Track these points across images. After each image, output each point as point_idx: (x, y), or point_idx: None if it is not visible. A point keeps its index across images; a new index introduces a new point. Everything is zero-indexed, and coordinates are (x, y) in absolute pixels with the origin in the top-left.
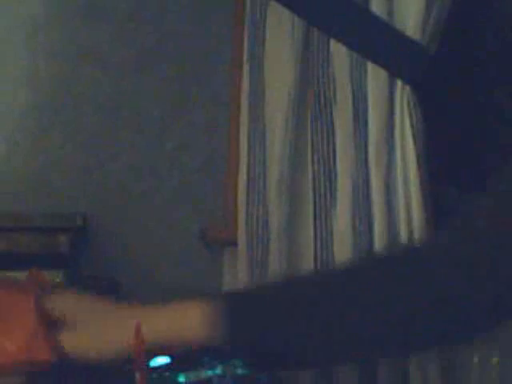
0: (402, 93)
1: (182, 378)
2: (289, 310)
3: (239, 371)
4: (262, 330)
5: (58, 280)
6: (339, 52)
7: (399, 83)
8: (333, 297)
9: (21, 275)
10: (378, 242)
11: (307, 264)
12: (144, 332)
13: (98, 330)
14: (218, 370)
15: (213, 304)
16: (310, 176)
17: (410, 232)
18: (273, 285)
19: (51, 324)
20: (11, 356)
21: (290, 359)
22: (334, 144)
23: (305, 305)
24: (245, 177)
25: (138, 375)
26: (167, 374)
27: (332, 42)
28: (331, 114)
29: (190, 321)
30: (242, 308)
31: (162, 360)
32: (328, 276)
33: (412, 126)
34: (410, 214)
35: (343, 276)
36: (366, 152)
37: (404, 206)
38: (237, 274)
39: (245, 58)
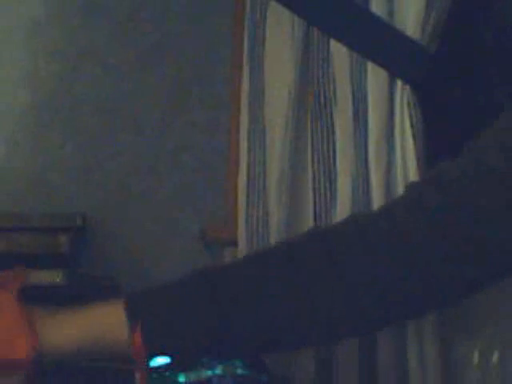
0: (402, 93)
1: (181, 378)
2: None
3: (239, 371)
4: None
5: (58, 280)
6: (339, 52)
7: (399, 83)
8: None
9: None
10: None
11: None
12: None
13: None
14: (218, 370)
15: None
16: (310, 176)
17: None
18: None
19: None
20: None
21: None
22: (334, 144)
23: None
24: (245, 177)
25: (137, 375)
26: (167, 373)
27: (332, 42)
28: (331, 114)
29: (108, 324)
30: (140, 308)
31: (161, 360)
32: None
33: (412, 126)
34: None
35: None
36: (366, 152)
37: None
38: None
39: (245, 57)
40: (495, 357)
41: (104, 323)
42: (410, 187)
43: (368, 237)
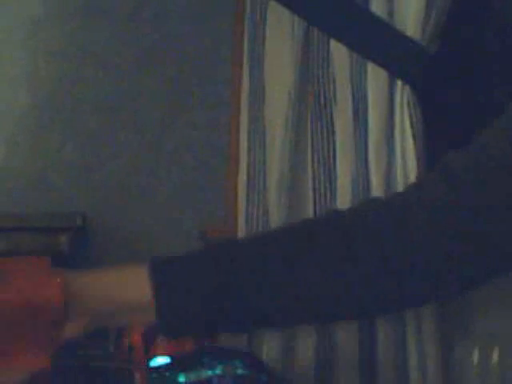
0: (402, 93)
1: (181, 378)
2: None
3: (239, 371)
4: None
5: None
6: (339, 52)
7: (399, 83)
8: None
9: None
10: None
11: None
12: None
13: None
14: (218, 370)
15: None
16: (310, 176)
17: None
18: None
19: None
20: (19, 293)
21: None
22: (334, 144)
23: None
24: (245, 176)
25: (137, 375)
26: (167, 373)
27: (332, 42)
28: (331, 114)
29: (129, 284)
30: (164, 273)
31: (161, 360)
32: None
33: (412, 126)
34: None
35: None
36: (366, 152)
37: None
38: None
39: (245, 57)
40: (495, 357)
41: (128, 283)
42: (425, 177)
43: (383, 224)
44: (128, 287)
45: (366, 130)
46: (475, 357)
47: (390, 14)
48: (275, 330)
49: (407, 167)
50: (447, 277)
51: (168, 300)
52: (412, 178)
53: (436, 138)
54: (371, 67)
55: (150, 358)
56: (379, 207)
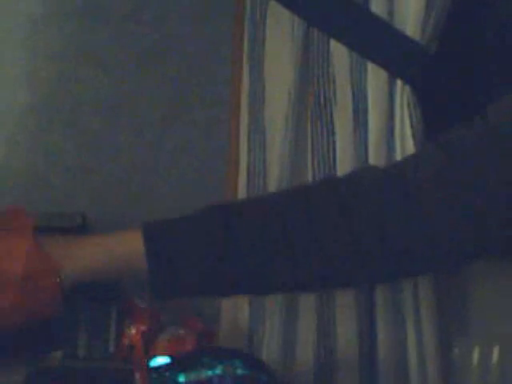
0: (402, 93)
1: (181, 378)
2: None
3: (239, 371)
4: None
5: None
6: (339, 52)
7: (399, 83)
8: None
9: None
10: None
11: None
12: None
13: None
14: (218, 370)
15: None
16: (310, 176)
17: None
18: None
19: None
20: (12, 278)
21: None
22: (334, 144)
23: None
24: (245, 177)
25: (137, 375)
26: (167, 373)
27: (332, 42)
28: (331, 114)
29: (127, 246)
30: (158, 236)
31: (161, 360)
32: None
33: (412, 126)
34: None
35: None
36: (366, 152)
37: None
38: None
39: (245, 58)
40: (495, 356)
41: (123, 249)
42: (423, 147)
43: (379, 191)
44: (121, 243)
45: (365, 130)
46: (475, 357)
47: (390, 14)
48: (263, 294)
49: None
50: (444, 247)
51: (159, 261)
52: None
53: (436, 137)
54: (371, 67)
55: (150, 358)
56: (376, 175)
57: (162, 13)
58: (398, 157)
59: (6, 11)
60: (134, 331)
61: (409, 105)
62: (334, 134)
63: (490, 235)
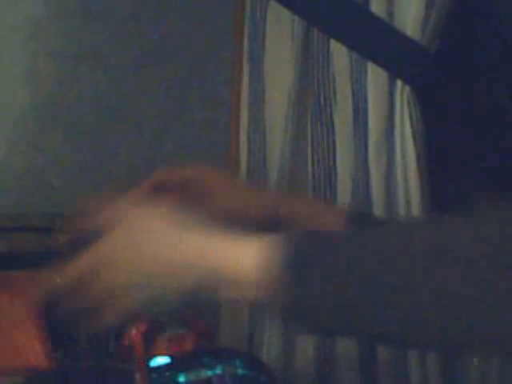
0: (402, 93)
1: (181, 378)
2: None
3: (239, 371)
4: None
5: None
6: (339, 52)
7: (399, 83)
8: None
9: (20, 275)
10: None
11: None
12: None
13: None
14: (218, 370)
15: (273, 244)
16: (310, 176)
17: None
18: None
19: (49, 331)
20: (8, 360)
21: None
22: (334, 144)
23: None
24: (245, 177)
25: (137, 375)
26: (167, 373)
27: (332, 42)
28: (331, 114)
29: (240, 261)
30: (310, 253)
31: (161, 360)
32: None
33: (412, 125)
34: (409, 214)
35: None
36: (366, 152)
37: (404, 206)
38: None
39: (245, 57)
40: (495, 360)
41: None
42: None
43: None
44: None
45: (365, 130)
46: (475, 358)
47: (390, 13)
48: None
49: (407, 167)
50: None
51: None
52: (412, 178)
53: (436, 137)
54: (371, 67)
55: (150, 358)
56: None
57: (161, 13)
58: (398, 157)
59: (6, 11)
60: (133, 331)
61: (409, 104)
62: (334, 133)
63: None
